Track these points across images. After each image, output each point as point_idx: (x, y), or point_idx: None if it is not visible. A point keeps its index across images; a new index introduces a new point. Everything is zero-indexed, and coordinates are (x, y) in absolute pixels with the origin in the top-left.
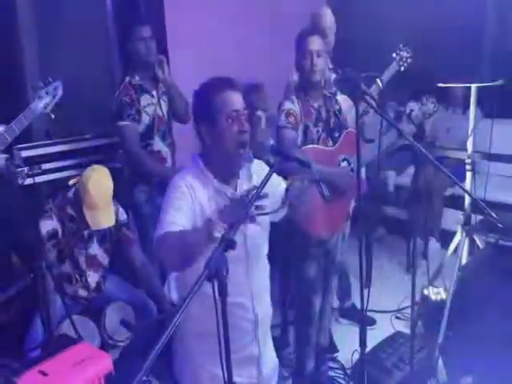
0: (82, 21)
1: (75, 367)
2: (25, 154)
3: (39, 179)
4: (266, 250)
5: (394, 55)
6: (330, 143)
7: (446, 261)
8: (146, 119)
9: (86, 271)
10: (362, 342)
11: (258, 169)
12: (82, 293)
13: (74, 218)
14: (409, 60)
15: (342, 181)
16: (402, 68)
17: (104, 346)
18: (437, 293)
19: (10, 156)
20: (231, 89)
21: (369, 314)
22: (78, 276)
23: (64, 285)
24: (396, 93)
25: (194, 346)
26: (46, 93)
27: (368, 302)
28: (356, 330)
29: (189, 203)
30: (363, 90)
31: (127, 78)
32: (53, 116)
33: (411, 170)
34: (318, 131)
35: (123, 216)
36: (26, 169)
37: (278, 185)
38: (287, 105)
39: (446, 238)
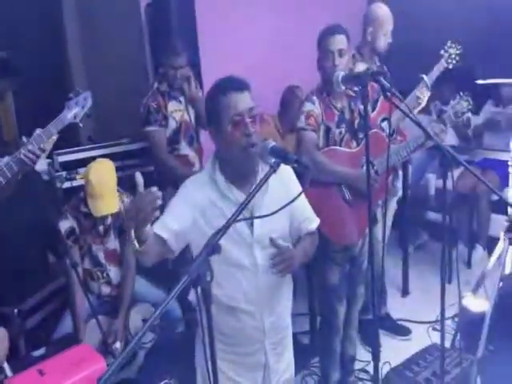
0: (120, 36)
1: (71, 368)
2: (62, 159)
3: (76, 183)
4: None
5: (442, 52)
6: (354, 145)
7: (489, 270)
8: (172, 124)
9: (107, 266)
10: (375, 357)
11: (282, 174)
12: (105, 289)
13: (88, 214)
14: (457, 57)
15: (364, 184)
16: (451, 65)
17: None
18: (477, 304)
19: (52, 161)
20: (236, 90)
21: (404, 323)
22: (99, 272)
23: (88, 282)
24: (441, 91)
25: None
26: (76, 103)
27: (403, 311)
28: (389, 340)
29: (185, 207)
30: (387, 87)
31: (156, 85)
32: (81, 125)
33: (455, 172)
34: (340, 132)
35: None
36: (64, 173)
37: (293, 187)
38: (307, 106)
39: (493, 245)
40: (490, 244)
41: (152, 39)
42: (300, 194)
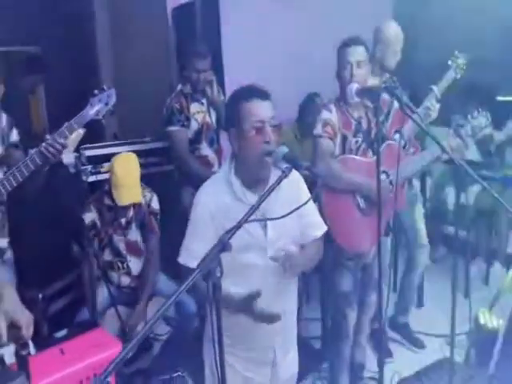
0: (147, 38)
1: (90, 349)
2: (89, 153)
3: (101, 177)
4: None
5: (450, 62)
6: (370, 154)
7: (505, 287)
8: (194, 125)
9: (127, 257)
10: (380, 363)
11: (293, 180)
12: (125, 280)
13: (111, 207)
14: (465, 67)
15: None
16: (459, 75)
17: (144, 338)
18: (492, 321)
19: (79, 155)
20: (259, 98)
21: (418, 336)
22: (120, 263)
23: (108, 272)
24: (462, 105)
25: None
26: (99, 100)
27: (417, 323)
28: (403, 351)
29: (204, 226)
30: (404, 101)
31: (179, 86)
32: (104, 121)
33: (475, 187)
34: (357, 142)
35: (156, 206)
36: (89, 167)
37: (302, 193)
38: (325, 114)
39: None
40: (509, 261)
41: (177, 42)
42: (309, 199)
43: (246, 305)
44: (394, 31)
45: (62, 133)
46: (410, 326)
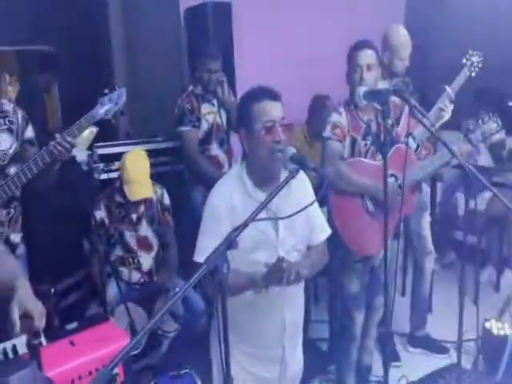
0: (160, 38)
1: (100, 341)
2: (101, 151)
3: (113, 175)
4: None
5: (464, 61)
6: (379, 157)
7: None
8: (205, 126)
9: (138, 252)
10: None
11: (300, 180)
12: (136, 275)
13: (122, 204)
14: (480, 65)
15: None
16: (474, 74)
17: (153, 335)
18: (500, 327)
19: (91, 153)
20: (270, 99)
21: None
22: (131, 259)
23: (119, 268)
24: (473, 110)
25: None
26: (109, 100)
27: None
28: (410, 356)
29: (219, 224)
30: (413, 104)
31: (190, 87)
32: (113, 121)
33: (487, 194)
34: (366, 145)
35: (167, 201)
36: (102, 165)
37: (309, 195)
38: (334, 117)
39: None
40: None
41: (189, 43)
42: (314, 201)
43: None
44: (401, 37)
45: (71, 132)
46: (430, 335)
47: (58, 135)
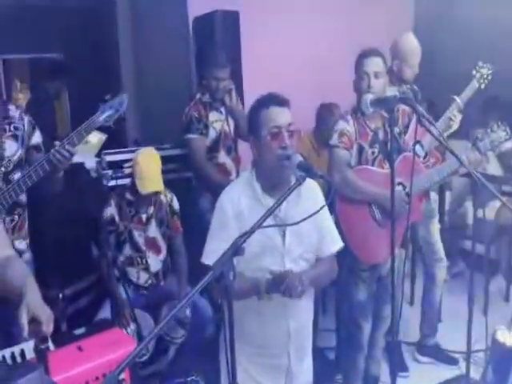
0: (168, 47)
1: (107, 347)
2: (110, 158)
3: (121, 181)
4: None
5: (474, 72)
6: (386, 165)
7: None
8: (213, 134)
9: (146, 252)
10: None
11: (310, 188)
12: (144, 276)
13: (132, 202)
14: (489, 77)
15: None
16: (483, 86)
17: (160, 341)
18: (510, 338)
19: (100, 160)
20: (277, 105)
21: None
22: (139, 258)
23: (127, 269)
24: (482, 119)
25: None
26: (110, 106)
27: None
28: (418, 366)
29: (227, 228)
30: (420, 111)
31: (198, 95)
32: (113, 127)
33: (497, 203)
34: (373, 152)
35: (176, 206)
36: (110, 172)
37: (319, 204)
38: (341, 124)
39: None
40: None
41: (197, 51)
42: (322, 207)
43: (258, 282)
44: (411, 44)
45: (71, 140)
46: (439, 345)
47: (57, 143)
